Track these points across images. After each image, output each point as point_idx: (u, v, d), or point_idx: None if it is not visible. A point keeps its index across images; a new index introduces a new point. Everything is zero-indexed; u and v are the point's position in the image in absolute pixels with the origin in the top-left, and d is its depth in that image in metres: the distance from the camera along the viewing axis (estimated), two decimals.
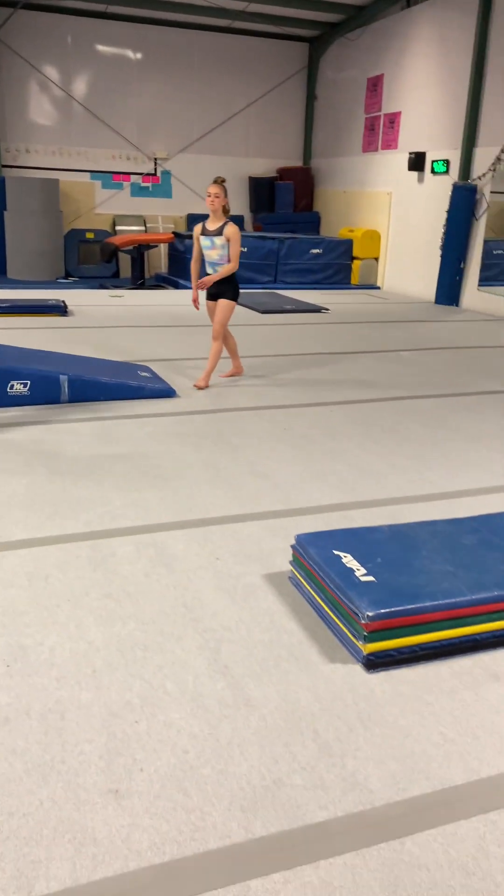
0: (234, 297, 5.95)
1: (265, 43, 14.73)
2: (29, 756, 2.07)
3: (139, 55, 14.10)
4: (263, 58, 14.81)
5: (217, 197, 5.61)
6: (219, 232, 5.68)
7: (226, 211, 5.74)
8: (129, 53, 14.08)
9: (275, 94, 15.05)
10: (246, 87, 14.84)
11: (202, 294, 6.11)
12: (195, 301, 6.03)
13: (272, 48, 14.81)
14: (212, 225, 5.71)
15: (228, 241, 5.67)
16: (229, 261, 5.76)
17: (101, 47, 13.85)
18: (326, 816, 1.90)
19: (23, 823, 1.85)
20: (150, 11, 13.34)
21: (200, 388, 5.92)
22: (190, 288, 6.81)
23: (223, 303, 5.90)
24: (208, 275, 5.85)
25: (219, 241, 5.69)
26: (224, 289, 5.88)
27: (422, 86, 11.79)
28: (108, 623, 2.73)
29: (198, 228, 5.81)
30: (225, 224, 5.69)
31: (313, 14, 13.45)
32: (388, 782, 2.02)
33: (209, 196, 5.63)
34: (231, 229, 5.67)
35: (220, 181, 5.68)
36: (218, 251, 5.73)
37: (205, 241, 5.74)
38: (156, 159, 14.75)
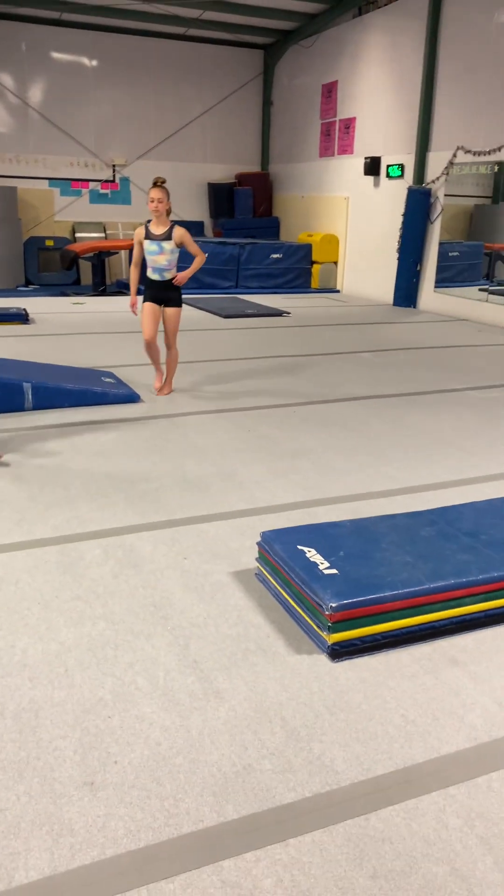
0: (181, 303, 5.84)
1: (220, 50, 14.86)
2: (4, 754, 2.12)
3: (95, 62, 14.12)
4: (219, 65, 14.93)
5: (161, 201, 5.42)
6: (167, 236, 5.52)
7: (168, 213, 5.59)
8: (85, 60, 14.08)
9: (231, 100, 15.18)
10: (202, 94, 14.95)
11: (142, 298, 5.86)
12: (133, 306, 5.85)
13: (227, 55, 14.95)
14: (157, 229, 5.52)
15: (180, 244, 5.55)
16: (180, 265, 5.70)
17: (56, 54, 13.84)
18: (294, 798, 1.99)
19: (1, 818, 1.90)
20: (104, 19, 13.37)
21: (163, 393, 5.95)
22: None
23: (174, 311, 5.77)
24: (153, 281, 5.68)
25: (167, 245, 5.53)
26: (173, 294, 5.75)
27: (376, 92, 12.01)
28: (79, 624, 2.78)
29: (140, 232, 5.60)
30: (171, 228, 5.54)
31: (267, 22, 13.61)
32: (353, 763, 2.11)
33: (152, 201, 5.43)
34: (180, 231, 5.55)
35: (161, 183, 5.47)
36: (167, 256, 5.56)
37: (151, 246, 5.55)
38: (114, 166, 14.76)
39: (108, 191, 14.88)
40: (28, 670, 2.50)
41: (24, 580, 3.09)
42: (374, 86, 12.03)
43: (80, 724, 2.25)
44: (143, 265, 5.79)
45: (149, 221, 5.63)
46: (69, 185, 14.63)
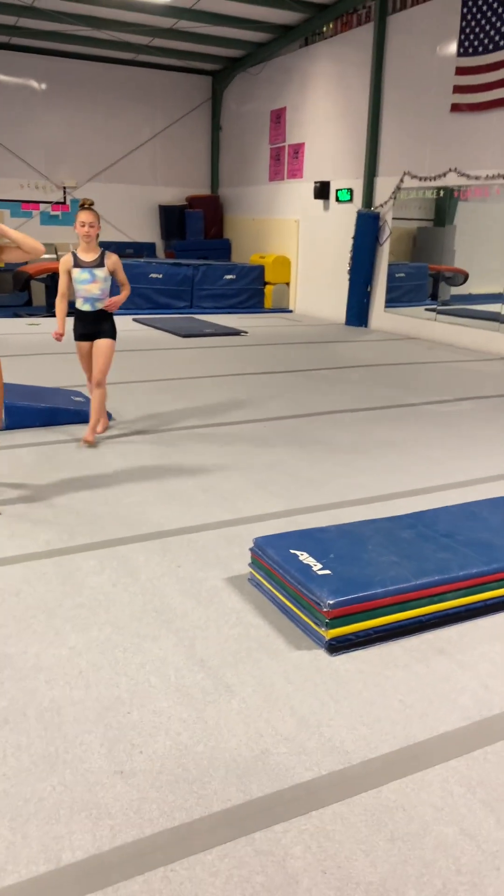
0: (115, 334, 5.27)
1: (169, 76, 15.16)
2: (34, 749, 2.23)
3: (45, 85, 14.24)
4: (168, 90, 15.23)
5: (92, 225, 4.92)
6: (99, 263, 5.03)
7: (97, 238, 5.11)
8: (35, 84, 14.19)
9: (181, 124, 15.47)
10: (152, 118, 15.21)
11: (85, 327, 5.25)
12: (59, 335, 5.10)
13: (176, 81, 15.26)
14: (87, 256, 5.03)
15: (113, 272, 5.08)
16: (110, 295, 5.16)
17: (5, 77, 13.91)
18: (312, 776, 2.16)
19: (40, 807, 2.02)
20: (54, 43, 13.53)
21: (90, 444, 5.15)
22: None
23: (107, 343, 5.18)
24: (84, 312, 5.13)
25: (100, 273, 5.02)
26: (106, 326, 5.19)
27: (324, 119, 12.44)
28: (85, 629, 2.90)
29: (67, 260, 5.06)
30: (103, 254, 5.06)
31: (215, 49, 13.98)
32: (361, 744, 2.29)
33: (83, 225, 4.90)
34: (113, 258, 5.07)
35: (89, 205, 4.94)
36: (100, 284, 5.03)
37: (82, 275, 5.02)
38: (65, 188, 14.86)
39: (58, 213, 14.96)
40: (44, 673, 2.61)
41: (25, 591, 3.19)
42: (323, 113, 12.46)
43: (102, 720, 2.37)
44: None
45: (75, 248, 5.16)
46: (19, 207, 14.67)
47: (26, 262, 12.12)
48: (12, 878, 1.80)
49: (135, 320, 11.58)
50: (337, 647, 2.78)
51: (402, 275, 11.76)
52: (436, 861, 1.88)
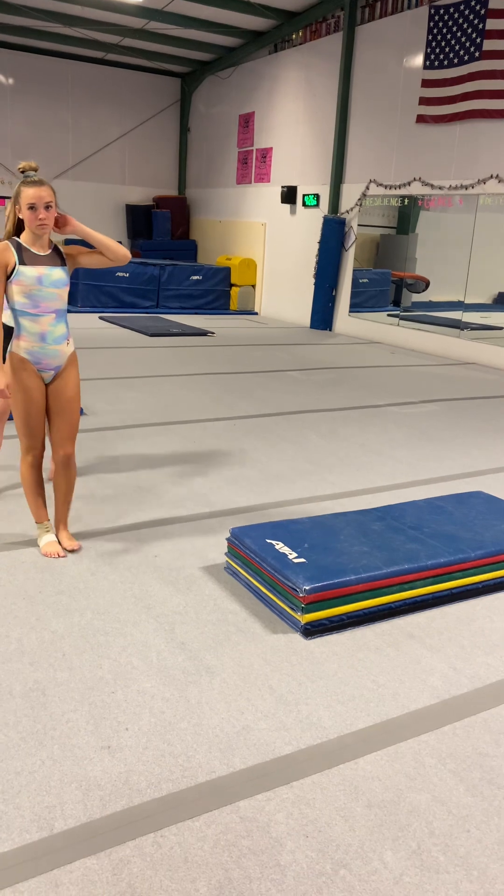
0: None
1: (139, 76, 15.18)
2: (21, 727, 2.29)
3: (12, 81, 14.14)
4: (137, 90, 15.25)
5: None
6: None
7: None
8: (1, 78, 14.08)
9: (149, 125, 15.50)
10: (121, 117, 15.21)
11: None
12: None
13: (145, 81, 15.29)
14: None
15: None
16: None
17: None
18: (292, 750, 2.26)
19: (31, 779, 2.08)
20: (23, 39, 13.46)
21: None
22: None
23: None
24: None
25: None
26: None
27: (291, 124, 12.61)
28: (67, 615, 2.96)
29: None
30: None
31: (185, 52, 14.05)
32: (338, 720, 2.40)
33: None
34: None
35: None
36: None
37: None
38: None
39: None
40: (27, 656, 2.66)
41: (4, 578, 3.24)
42: (291, 118, 12.63)
43: (87, 699, 2.44)
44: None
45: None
46: None
47: None
48: (6, 845, 1.86)
49: (101, 318, 11.57)
50: (312, 631, 2.89)
51: (365, 280, 11.98)
52: (410, 825, 2.00)
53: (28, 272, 3.15)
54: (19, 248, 3.17)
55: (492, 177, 9.23)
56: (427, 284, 11.01)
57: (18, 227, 3.21)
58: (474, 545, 3.30)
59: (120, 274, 12.74)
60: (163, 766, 2.16)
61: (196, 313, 13.19)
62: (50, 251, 3.24)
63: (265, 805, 2.04)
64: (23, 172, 3.14)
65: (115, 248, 3.30)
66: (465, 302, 10.02)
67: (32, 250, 3.18)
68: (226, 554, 3.40)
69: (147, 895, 1.73)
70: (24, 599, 3.07)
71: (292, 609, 2.92)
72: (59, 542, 3.54)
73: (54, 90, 14.50)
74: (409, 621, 3.06)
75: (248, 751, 2.24)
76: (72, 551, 3.50)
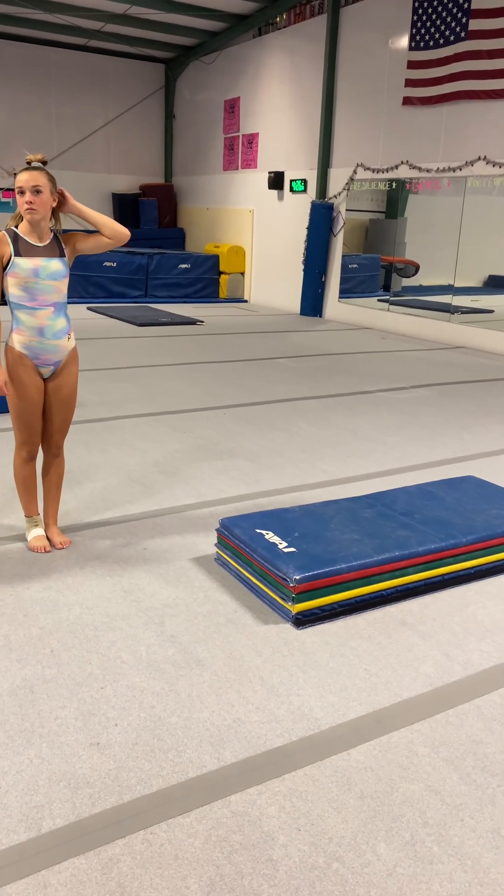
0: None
1: (122, 62, 15.00)
2: (8, 725, 2.26)
3: None
4: (121, 77, 15.07)
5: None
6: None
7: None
8: None
9: (134, 112, 15.33)
10: (105, 105, 15.04)
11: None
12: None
13: (129, 68, 15.11)
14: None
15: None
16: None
17: None
18: (283, 742, 2.23)
19: (18, 779, 2.05)
20: (2, 26, 13.26)
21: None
22: None
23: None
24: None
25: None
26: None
27: (277, 109, 12.49)
28: (55, 610, 2.93)
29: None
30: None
31: (168, 37, 13.88)
32: (330, 711, 2.38)
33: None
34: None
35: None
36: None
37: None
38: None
39: (9, 199, 14.68)
40: (14, 653, 2.63)
41: None
42: (276, 103, 12.51)
43: (76, 695, 2.41)
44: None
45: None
46: None
47: None
48: None
49: (89, 309, 11.48)
50: (303, 620, 2.86)
51: (355, 266, 11.92)
52: (403, 815, 1.97)
53: (23, 264, 3.06)
54: (16, 239, 3.07)
55: (479, 158, 9.16)
56: (417, 269, 10.95)
57: (23, 219, 3.11)
58: (466, 530, 3.27)
59: (107, 264, 12.64)
60: (153, 761, 2.13)
61: (185, 302, 13.10)
62: (49, 241, 3.13)
63: (257, 799, 2.01)
64: (28, 164, 3.07)
65: (113, 226, 3.20)
66: (455, 286, 9.97)
67: (30, 241, 3.08)
68: (216, 545, 3.37)
69: (137, 894, 1.71)
70: (11, 595, 3.03)
71: (283, 599, 2.89)
72: (49, 538, 3.49)
73: (36, 78, 14.31)
74: (401, 608, 3.03)
75: (240, 744, 2.21)
76: (61, 547, 3.46)
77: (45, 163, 3.11)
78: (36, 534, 3.48)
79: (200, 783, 2.06)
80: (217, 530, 3.34)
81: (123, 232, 3.24)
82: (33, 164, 3.08)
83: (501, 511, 3.52)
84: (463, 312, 9.98)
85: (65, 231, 3.25)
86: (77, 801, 1.98)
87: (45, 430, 3.37)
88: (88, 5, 12.15)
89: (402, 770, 2.13)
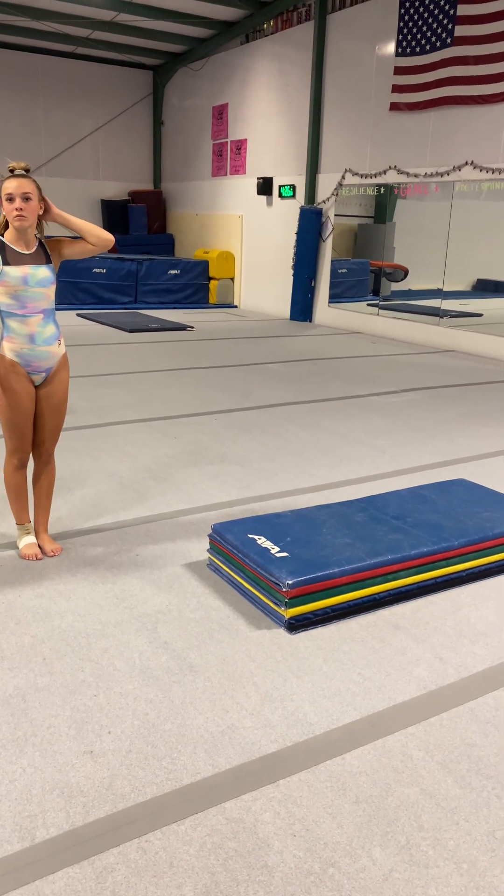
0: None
1: (110, 69, 15.02)
2: (1, 734, 2.24)
3: None
4: (109, 83, 15.09)
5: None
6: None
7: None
8: None
9: (122, 118, 15.34)
10: (93, 112, 15.05)
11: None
12: None
13: (117, 74, 15.13)
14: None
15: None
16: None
17: None
18: (277, 748, 2.23)
19: (11, 788, 2.03)
20: None
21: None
22: None
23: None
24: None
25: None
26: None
27: (266, 115, 12.53)
28: (47, 618, 2.91)
29: None
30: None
31: (156, 44, 13.91)
32: (324, 716, 2.38)
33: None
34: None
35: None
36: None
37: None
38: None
39: None
40: (6, 662, 2.61)
41: None
42: (264, 109, 12.55)
43: (69, 703, 2.40)
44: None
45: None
46: None
47: None
48: None
49: (78, 315, 11.47)
50: (296, 625, 2.85)
51: (344, 270, 11.95)
52: (399, 819, 1.97)
53: (12, 272, 3.06)
54: (2, 248, 3.07)
55: (467, 163, 9.21)
56: (406, 273, 10.99)
57: (8, 227, 3.10)
58: (457, 533, 3.28)
59: (97, 270, 12.63)
60: (147, 769, 2.12)
61: (175, 308, 13.11)
62: (35, 249, 3.13)
63: (251, 805, 2.00)
64: (11, 171, 3.05)
65: (96, 233, 3.21)
66: (444, 290, 10.01)
67: (16, 249, 3.08)
68: (208, 550, 3.36)
69: None
70: (2, 603, 3.01)
71: (276, 604, 2.88)
72: (40, 546, 3.48)
73: (24, 85, 14.31)
74: (394, 612, 3.03)
75: (234, 750, 2.21)
76: (52, 555, 3.45)
77: (27, 170, 3.10)
78: (27, 541, 3.46)
79: (195, 790, 2.05)
80: (209, 536, 3.33)
81: (107, 238, 3.24)
82: (16, 171, 3.06)
83: (493, 514, 3.53)
84: (452, 316, 10.02)
85: (49, 237, 3.25)
86: (71, 809, 1.97)
87: (35, 438, 3.36)
88: (76, 12, 12.16)
89: (397, 774, 2.13)
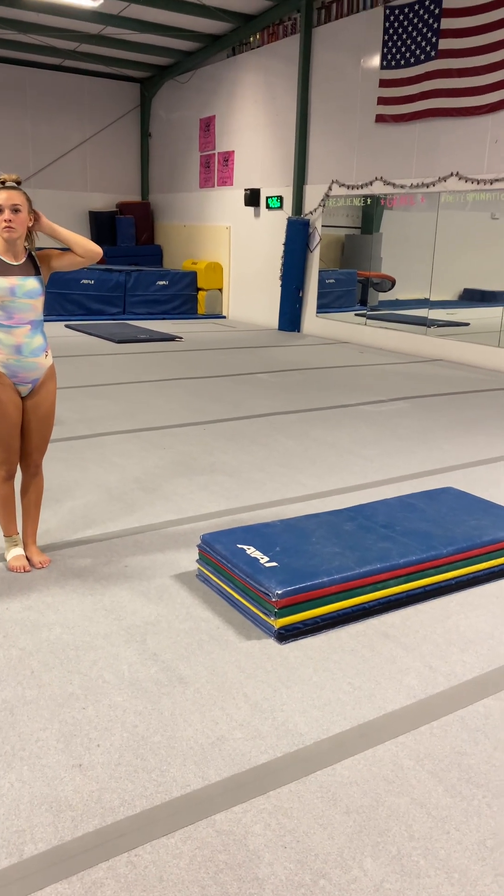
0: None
1: (97, 82, 15.08)
2: None
3: None
4: (96, 96, 15.14)
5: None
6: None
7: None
8: None
9: (110, 131, 15.39)
10: (81, 124, 15.09)
11: None
12: None
13: (104, 87, 15.19)
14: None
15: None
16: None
17: None
18: (267, 758, 2.22)
19: None
20: None
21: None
22: None
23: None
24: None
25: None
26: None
27: (252, 127, 12.60)
28: (35, 631, 2.89)
29: None
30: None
31: (143, 57, 13.98)
32: (314, 726, 2.37)
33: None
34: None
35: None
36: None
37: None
38: None
39: None
40: None
41: None
42: (251, 122, 12.62)
43: (57, 716, 2.38)
44: None
45: None
46: None
47: None
48: None
49: (67, 326, 11.45)
50: (286, 635, 2.85)
51: (332, 281, 12.01)
52: (389, 829, 1.96)
53: (0, 283, 3.06)
54: None
55: (452, 174, 9.29)
56: (393, 283, 11.05)
57: None
58: (446, 541, 3.29)
59: (85, 281, 12.63)
60: (136, 782, 2.11)
61: (163, 318, 13.12)
62: (24, 260, 3.14)
63: (241, 817, 1.99)
64: (2, 183, 3.05)
65: (85, 245, 3.21)
66: (431, 299, 10.07)
67: (5, 260, 3.09)
68: (197, 561, 3.36)
69: None
70: None
71: (265, 614, 2.88)
72: (28, 558, 3.46)
73: (11, 98, 14.33)
74: (383, 621, 3.03)
75: (223, 762, 2.19)
76: (41, 567, 3.43)
77: (18, 183, 3.12)
78: (15, 553, 3.44)
79: (185, 803, 2.04)
80: (198, 546, 3.32)
81: (95, 250, 3.25)
82: (7, 183, 3.07)
83: (481, 521, 3.54)
84: (439, 326, 10.08)
85: (39, 249, 3.25)
86: (59, 824, 1.95)
87: (23, 449, 3.35)
88: (63, 25, 12.22)
89: (388, 784, 2.13)
